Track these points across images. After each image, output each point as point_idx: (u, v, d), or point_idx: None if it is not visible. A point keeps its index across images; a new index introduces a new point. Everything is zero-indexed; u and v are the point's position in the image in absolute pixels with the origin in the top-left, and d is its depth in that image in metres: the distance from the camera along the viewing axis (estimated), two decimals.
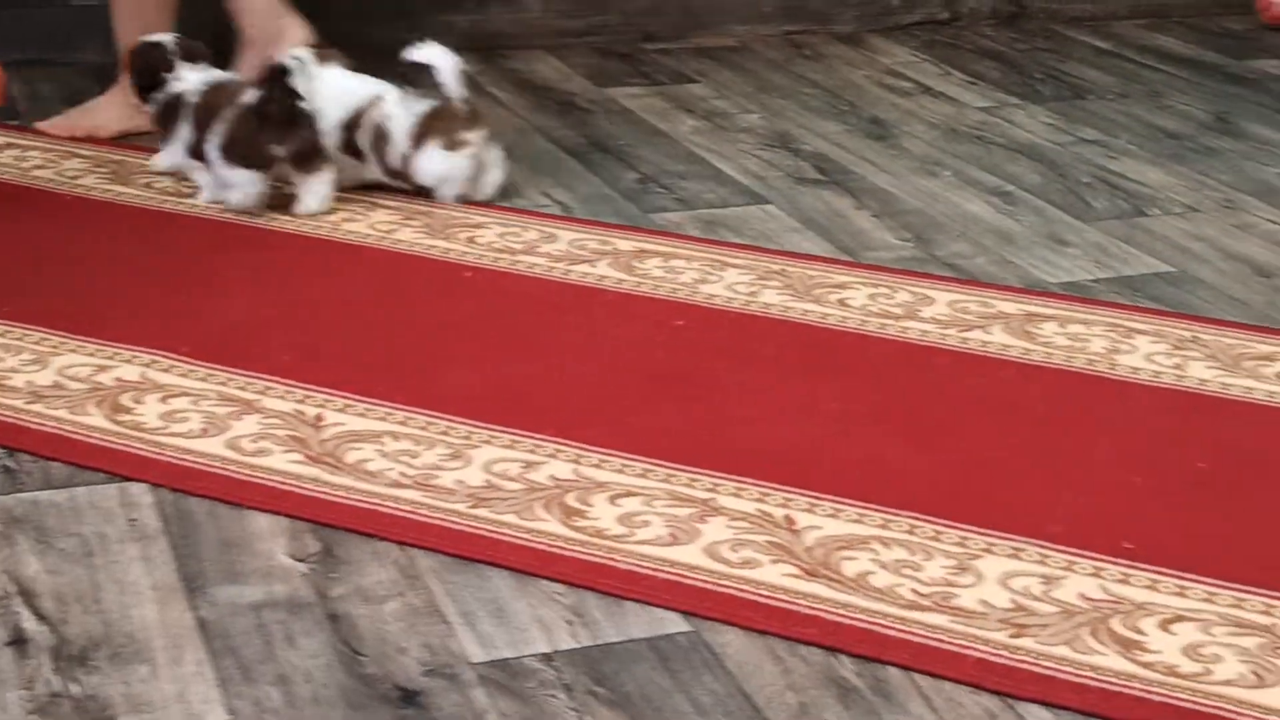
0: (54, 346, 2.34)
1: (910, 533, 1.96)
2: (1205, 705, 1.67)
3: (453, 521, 1.96)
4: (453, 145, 2.94)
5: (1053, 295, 2.65)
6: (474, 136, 2.97)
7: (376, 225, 2.86)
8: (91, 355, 2.32)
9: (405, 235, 2.82)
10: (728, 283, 2.67)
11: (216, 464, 2.07)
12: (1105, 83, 3.85)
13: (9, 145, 3.14)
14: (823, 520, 1.98)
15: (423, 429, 2.17)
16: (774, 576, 1.87)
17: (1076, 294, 2.66)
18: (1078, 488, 2.06)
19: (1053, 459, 2.13)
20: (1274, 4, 4.27)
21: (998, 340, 2.48)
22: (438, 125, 2.94)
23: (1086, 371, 2.38)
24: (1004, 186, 3.16)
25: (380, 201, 2.96)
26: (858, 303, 2.61)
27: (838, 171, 3.24)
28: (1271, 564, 1.90)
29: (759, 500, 2.02)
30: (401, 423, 2.19)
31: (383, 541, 1.93)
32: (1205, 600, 1.84)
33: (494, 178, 3.02)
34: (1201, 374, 2.37)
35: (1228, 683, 1.70)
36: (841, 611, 1.81)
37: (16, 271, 2.59)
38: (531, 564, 1.89)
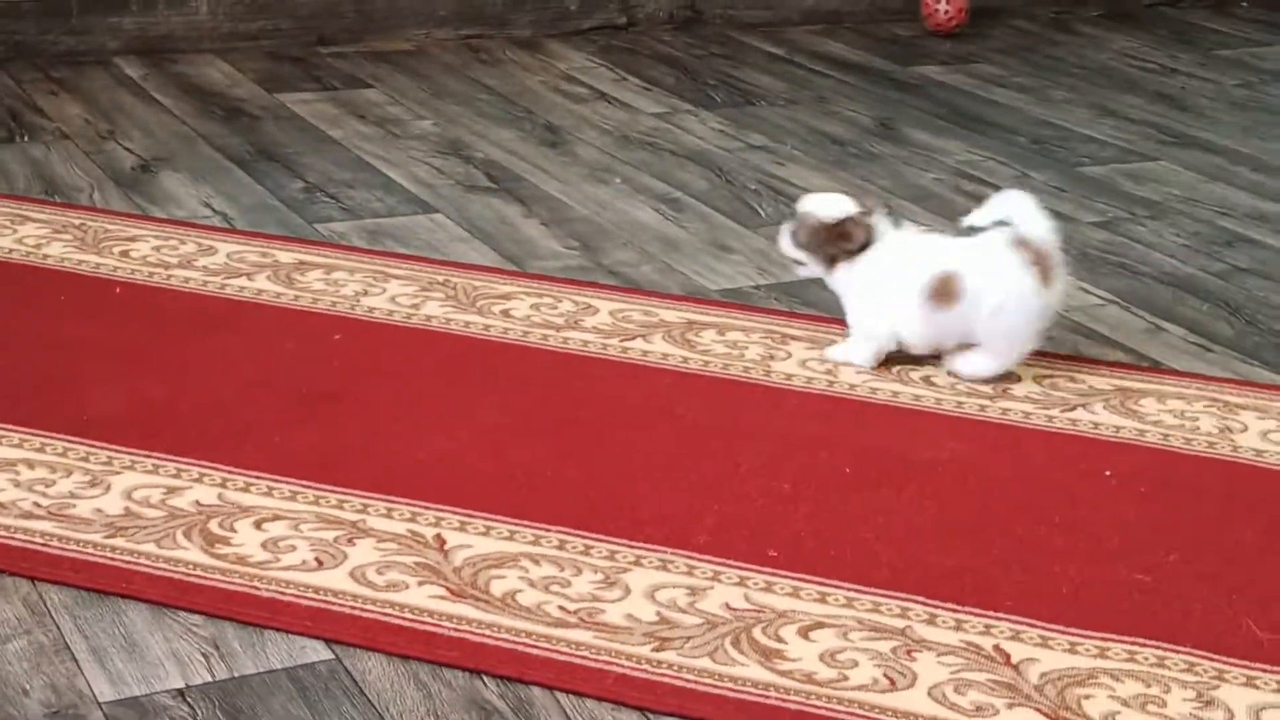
0: None
1: (561, 548, 1.95)
2: (839, 711, 1.70)
3: (87, 553, 1.89)
4: None
5: (713, 303, 2.68)
6: None
7: (24, 240, 2.74)
8: None
9: (55, 250, 2.71)
10: (390, 295, 2.63)
11: None
12: (776, 89, 3.93)
13: None
14: (474, 539, 1.97)
15: (60, 455, 2.09)
16: (420, 599, 1.84)
17: (737, 301, 2.70)
18: (727, 496, 2.08)
19: (705, 468, 2.15)
20: (936, 10, 4.41)
21: (658, 349, 2.49)
22: None
23: (742, 379, 2.41)
24: (672, 193, 3.19)
25: (31, 214, 2.84)
26: (521, 313, 2.60)
27: (509, 179, 3.23)
28: (905, 566, 1.95)
29: (410, 520, 2.00)
30: (38, 449, 2.10)
31: (11, 577, 1.85)
32: (844, 605, 1.88)
33: None
34: (852, 379, 2.42)
35: (862, 688, 1.74)
36: (486, 632, 1.79)
37: None
38: (169, 595, 1.83)
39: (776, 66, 4.12)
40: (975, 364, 2.40)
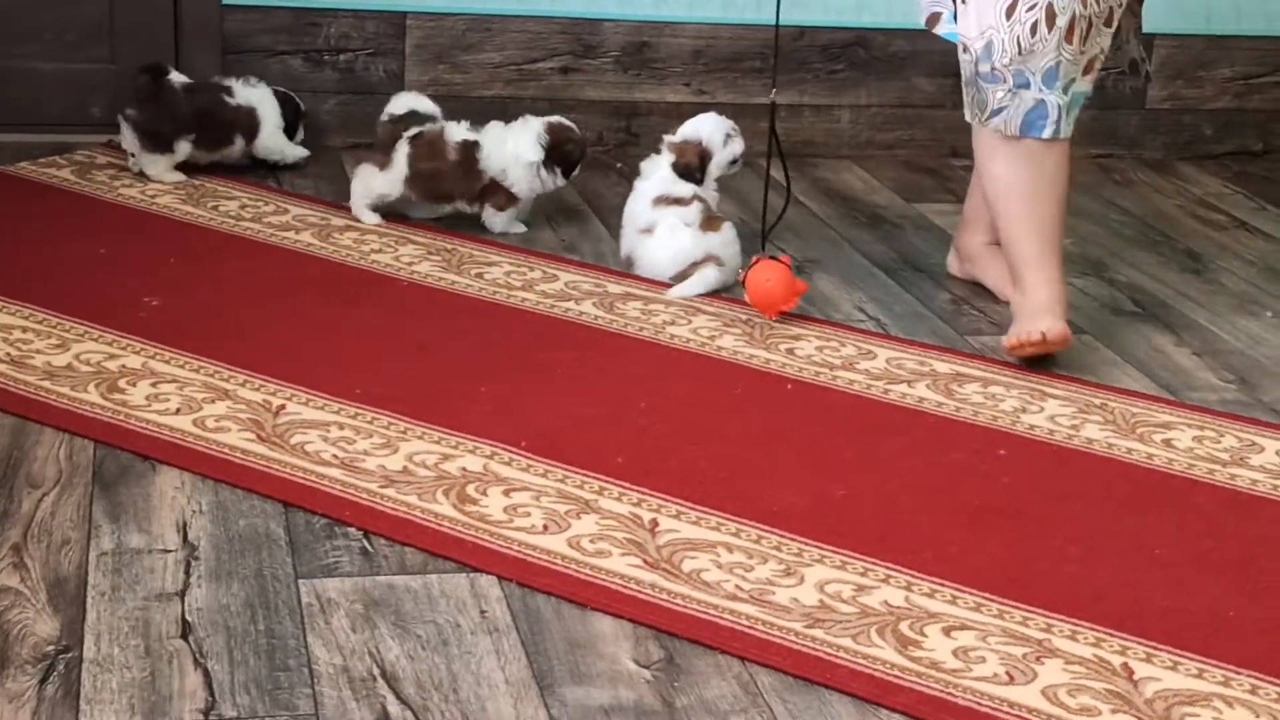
0: (401, 432, 2.44)
1: (1253, 693, 1.93)
2: None
3: (790, 641, 2.00)
4: None
5: None
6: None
7: (698, 331, 2.92)
8: (436, 443, 2.42)
9: (726, 342, 2.88)
10: (1049, 414, 2.67)
11: (559, 562, 2.13)
12: None
13: (349, 227, 3.30)
14: (1162, 672, 1.97)
15: (755, 542, 2.22)
16: None
17: None
18: None
19: None
20: None
21: None
22: None
23: None
24: None
25: (703, 308, 3.03)
26: (1183, 444, 2.58)
27: (1155, 305, 3.22)
28: None
29: (1095, 645, 2.02)
30: (734, 534, 2.23)
31: (724, 654, 1.97)
32: None
33: None
34: None
35: None
36: None
37: (363, 355, 2.71)
38: (870, 691, 1.91)
39: None
40: None
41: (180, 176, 3.48)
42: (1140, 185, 4.02)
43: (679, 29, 3.94)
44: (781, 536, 2.23)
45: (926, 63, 4.05)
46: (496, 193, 3.31)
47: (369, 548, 2.14)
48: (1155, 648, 2.02)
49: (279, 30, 3.75)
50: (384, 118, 3.37)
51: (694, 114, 3.46)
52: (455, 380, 2.64)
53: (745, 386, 2.72)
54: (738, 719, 1.85)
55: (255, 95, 3.55)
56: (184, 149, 3.47)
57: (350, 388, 2.57)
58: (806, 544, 2.22)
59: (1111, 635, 2.04)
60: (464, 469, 2.35)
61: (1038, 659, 1.98)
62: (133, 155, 3.49)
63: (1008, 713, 1.88)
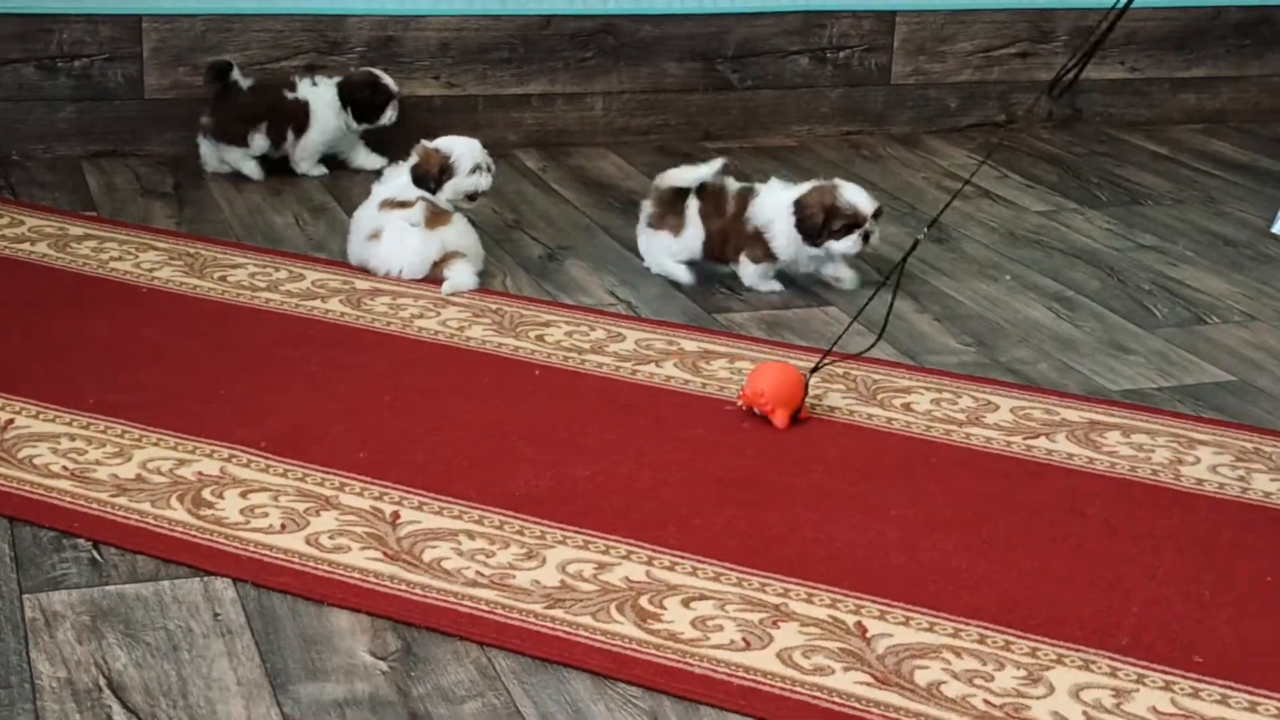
0: (136, 439, 2.39)
1: (981, 642, 1.98)
2: None
3: (530, 622, 2.00)
4: None
5: (1116, 404, 2.67)
6: None
7: (447, 323, 2.91)
8: (173, 449, 2.37)
9: (475, 333, 2.87)
10: None
11: (297, 560, 2.11)
12: (1162, 188, 3.90)
13: (88, 236, 3.22)
14: (894, 628, 2.01)
15: (498, 528, 2.21)
16: (846, 684, 1.89)
17: (1139, 403, 2.69)
18: (1146, 599, 2.08)
19: (1119, 570, 2.16)
20: None
21: (1062, 448, 2.51)
22: None
23: (1150, 481, 2.41)
24: (1064, 292, 3.20)
25: (452, 299, 3.01)
26: (921, 408, 2.64)
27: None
28: None
29: (830, 606, 2.05)
30: (477, 521, 2.23)
31: (462, 641, 1.96)
32: (1276, 716, 1.85)
33: None
34: (1266, 487, 2.39)
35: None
36: None
37: (99, 364, 2.65)
38: (608, 666, 1.92)
39: (1160, 165, 4.09)
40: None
41: (258, 174, 3.67)
42: (889, 160, 4.10)
43: (425, 22, 3.92)
44: (524, 521, 2.23)
45: (675, 47, 4.09)
46: (756, 244, 3.17)
47: (99, 558, 2.09)
48: (889, 605, 2.06)
49: (8, 38, 3.65)
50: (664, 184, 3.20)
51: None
52: (194, 384, 2.60)
53: (493, 375, 2.72)
54: (474, 703, 1.84)
55: (312, 93, 3.66)
56: (259, 142, 3.63)
57: (83, 398, 2.51)
58: (549, 526, 2.22)
59: (847, 595, 2.08)
60: (200, 473, 2.31)
61: (774, 623, 2.01)
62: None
63: (743, 677, 1.90)
